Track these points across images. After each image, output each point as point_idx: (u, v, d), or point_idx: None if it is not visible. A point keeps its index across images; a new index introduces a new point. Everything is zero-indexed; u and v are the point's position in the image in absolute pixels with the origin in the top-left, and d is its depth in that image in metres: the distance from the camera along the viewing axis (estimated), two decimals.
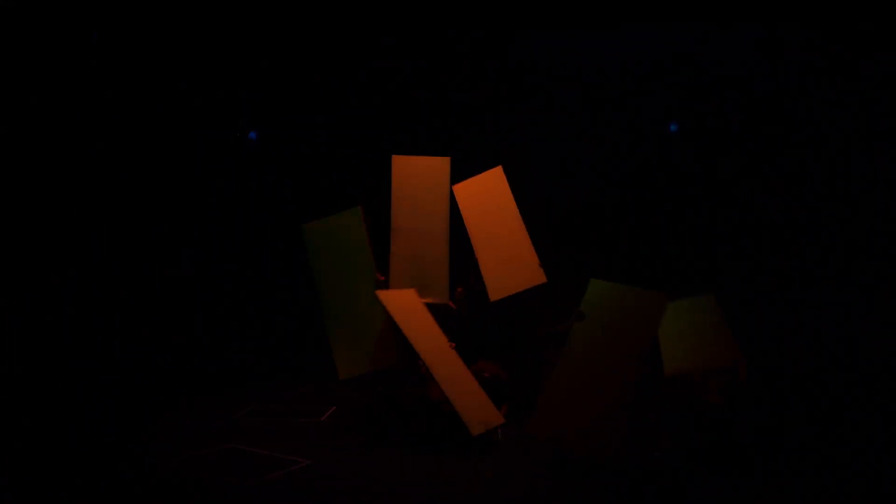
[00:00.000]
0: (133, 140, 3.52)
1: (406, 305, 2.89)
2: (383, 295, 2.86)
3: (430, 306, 3.03)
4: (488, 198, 3.14)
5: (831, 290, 3.26)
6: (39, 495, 2.41)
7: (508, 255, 3.06)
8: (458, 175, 3.12)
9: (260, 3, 3.32)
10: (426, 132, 3.71)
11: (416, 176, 3.14)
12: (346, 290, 2.98)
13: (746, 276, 3.43)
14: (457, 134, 3.66)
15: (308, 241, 3.03)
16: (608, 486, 2.46)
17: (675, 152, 3.54)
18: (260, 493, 2.43)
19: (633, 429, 2.65)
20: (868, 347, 3.16)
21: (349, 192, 3.52)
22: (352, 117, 3.89)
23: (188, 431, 2.95)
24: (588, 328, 2.66)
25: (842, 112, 3.24)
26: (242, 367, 3.66)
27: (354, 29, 3.54)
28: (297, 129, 3.96)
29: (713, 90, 3.46)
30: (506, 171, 3.14)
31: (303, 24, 3.61)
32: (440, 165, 3.13)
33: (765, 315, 3.35)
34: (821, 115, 3.29)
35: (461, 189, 3.15)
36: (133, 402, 3.19)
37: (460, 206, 3.10)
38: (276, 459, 2.67)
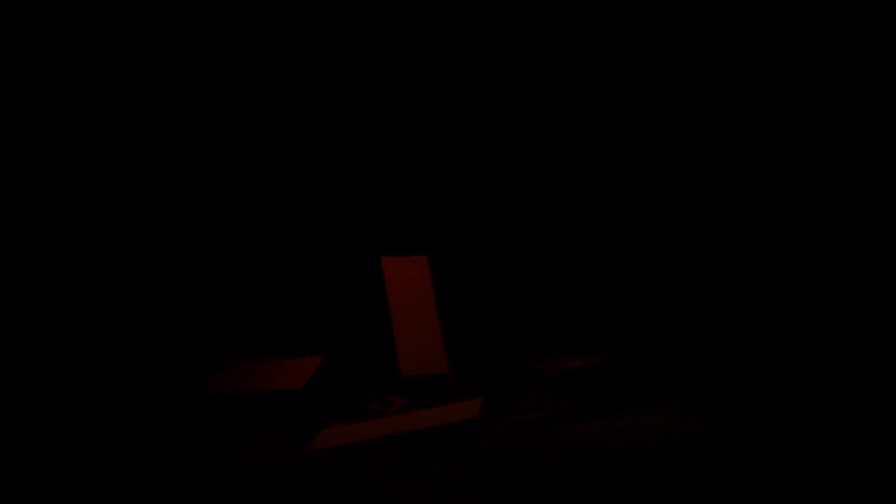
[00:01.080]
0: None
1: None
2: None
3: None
4: None
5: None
6: (39, 497, 2.42)
7: None
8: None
9: None
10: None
11: (403, 272, 3.51)
12: None
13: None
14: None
15: None
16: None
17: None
18: (260, 492, 2.43)
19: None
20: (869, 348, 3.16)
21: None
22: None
23: (186, 431, 2.96)
24: None
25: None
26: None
27: None
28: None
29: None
30: None
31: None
32: (420, 263, 3.50)
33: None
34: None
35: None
36: (130, 402, 3.20)
37: None
38: (274, 458, 2.68)
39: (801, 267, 3.33)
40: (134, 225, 3.56)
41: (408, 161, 3.74)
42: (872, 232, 3.23)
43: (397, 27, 3.76)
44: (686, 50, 3.42)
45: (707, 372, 3.11)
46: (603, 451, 2.63)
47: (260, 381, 3.37)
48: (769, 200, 3.38)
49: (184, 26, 3.61)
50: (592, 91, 3.60)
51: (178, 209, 3.71)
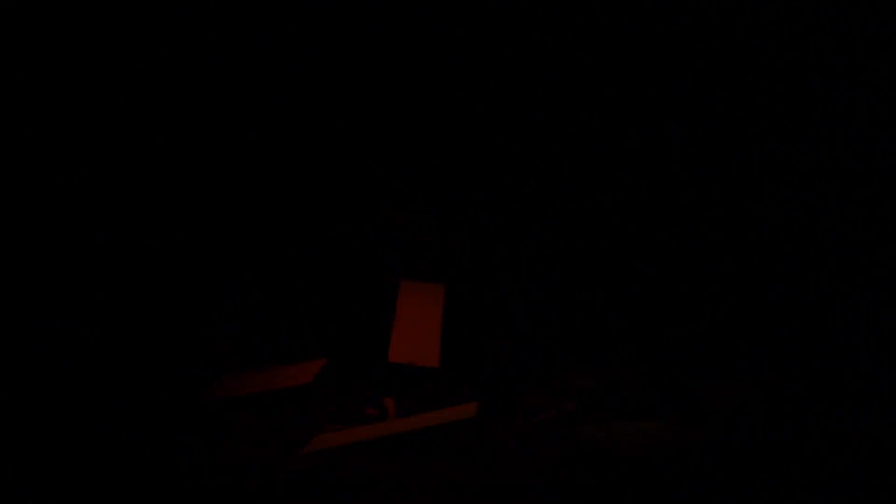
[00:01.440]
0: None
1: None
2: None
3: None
4: None
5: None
6: (39, 497, 2.42)
7: None
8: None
9: None
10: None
11: (419, 293, 3.56)
12: None
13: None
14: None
15: None
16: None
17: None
18: (260, 492, 2.43)
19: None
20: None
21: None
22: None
23: (186, 431, 2.96)
24: None
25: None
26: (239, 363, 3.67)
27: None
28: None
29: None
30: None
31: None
32: (438, 288, 3.57)
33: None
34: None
35: None
36: (130, 403, 3.20)
37: None
38: (274, 458, 2.68)
39: (801, 267, 3.33)
40: (134, 225, 3.56)
41: (408, 161, 3.74)
42: (872, 232, 3.22)
43: (397, 27, 3.75)
44: (686, 50, 3.42)
45: (707, 373, 3.11)
46: (604, 453, 2.63)
47: (264, 385, 3.37)
48: (769, 200, 3.38)
49: (184, 26, 3.61)
50: (592, 91, 3.60)
51: (178, 209, 3.71)
